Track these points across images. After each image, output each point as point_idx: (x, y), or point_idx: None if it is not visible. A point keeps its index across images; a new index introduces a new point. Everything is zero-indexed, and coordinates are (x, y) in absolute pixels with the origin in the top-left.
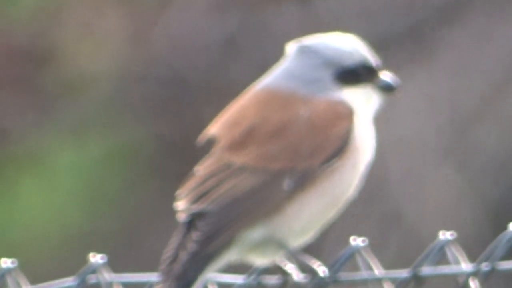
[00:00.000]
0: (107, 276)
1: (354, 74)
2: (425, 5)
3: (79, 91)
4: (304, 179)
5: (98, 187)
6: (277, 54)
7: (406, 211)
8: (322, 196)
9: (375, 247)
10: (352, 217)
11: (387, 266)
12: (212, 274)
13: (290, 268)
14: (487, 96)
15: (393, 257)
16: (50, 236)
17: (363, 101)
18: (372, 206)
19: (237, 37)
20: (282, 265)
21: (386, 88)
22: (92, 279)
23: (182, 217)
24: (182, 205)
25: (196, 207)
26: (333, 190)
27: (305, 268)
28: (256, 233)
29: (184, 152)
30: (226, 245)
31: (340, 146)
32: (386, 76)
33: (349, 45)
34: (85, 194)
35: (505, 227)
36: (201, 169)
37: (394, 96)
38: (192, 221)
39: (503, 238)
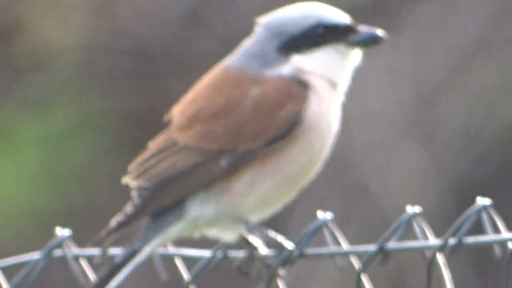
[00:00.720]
0: (73, 249)
1: (307, 38)
2: None
3: (44, 64)
4: (244, 159)
5: (64, 161)
6: (243, 27)
7: (371, 185)
8: (274, 175)
9: (341, 221)
10: (317, 192)
11: (352, 240)
12: (177, 249)
13: (257, 242)
14: (452, 70)
15: (358, 231)
16: (16, 210)
17: (329, 65)
18: (337, 180)
19: (201, 9)
20: (248, 239)
21: (366, 42)
22: (58, 253)
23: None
24: (128, 179)
25: (136, 183)
26: (286, 169)
27: (271, 243)
28: (208, 210)
29: (149, 125)
30: (171, 220)
31: (287, 129)
32: (364, 30)
33: (300, 12)
34: (50, 167)
35: (468, 202)
36: (152, 144)
37: (379, 47)
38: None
39: (470, 212)
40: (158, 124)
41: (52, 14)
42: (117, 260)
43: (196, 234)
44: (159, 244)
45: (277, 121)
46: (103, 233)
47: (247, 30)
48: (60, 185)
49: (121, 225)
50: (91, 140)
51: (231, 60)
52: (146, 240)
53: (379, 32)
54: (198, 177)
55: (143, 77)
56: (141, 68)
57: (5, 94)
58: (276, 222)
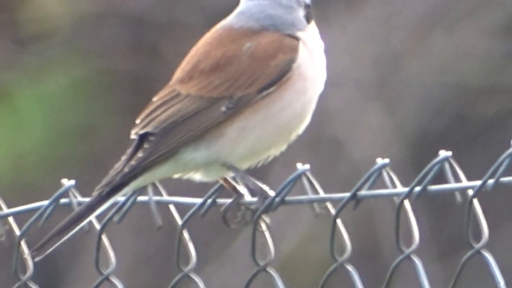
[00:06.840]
0: (78, 198)
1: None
2: None
3: (45, 30)
4: (242, 105)
5: (66, 117)
6: None
7: (342, 141)
8: (265, 122)
9: (316, 173)
10: (294, 146)
11: (325, 189)
12: (170, 197)
13: (243, 190)
14: (418, 33)
15: (331, 180)
16: (22, 166)
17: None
18: (312, 135)
19: None
20: (236, 187)
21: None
22: (64, 201)
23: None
24: (135, 131)
25: (143, 130)
26: (278, 117)
27: (255, 191)
28: (199, 155)
29: (143, 87)
30: (164, 162)
31: (279, 76)
32: None
33: None
34: (52, 124)
35: (424, 156)
36: (156, 98)
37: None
38: (140, 143)
39: (434, 162)
40: (151, 87)
41: None
42: (103, 192)
43: (178, 176)
44: (145, 182)
45: (270, 68)
46: (117, 178)
47: None
48: (61, 140)
49: (133, 169)
50: (90, 98)
51: (232, 18)
52: (134, 176)
53: None
54: (201, 121)
55: (138, 43)
56: (136, 34)
57: (10, 59)
58: (256, 174)
